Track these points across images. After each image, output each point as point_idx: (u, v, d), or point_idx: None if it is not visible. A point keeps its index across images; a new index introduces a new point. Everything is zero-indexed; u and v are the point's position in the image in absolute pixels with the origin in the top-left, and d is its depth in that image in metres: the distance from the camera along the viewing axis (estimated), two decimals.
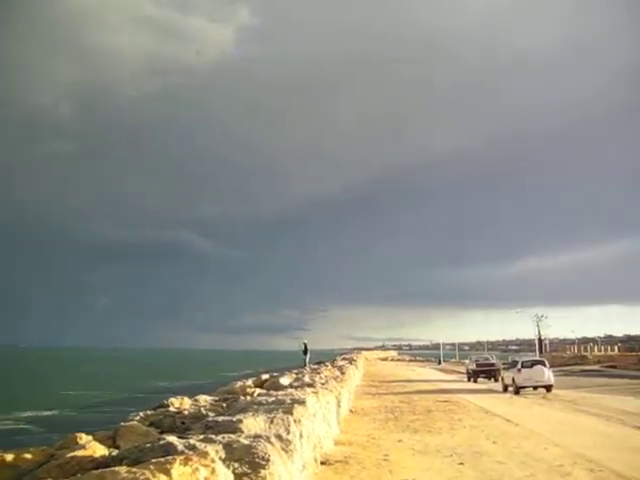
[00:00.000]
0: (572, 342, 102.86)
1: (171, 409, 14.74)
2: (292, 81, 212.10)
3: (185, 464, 4.35)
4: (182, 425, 11.61)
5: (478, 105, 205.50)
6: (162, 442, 5.48)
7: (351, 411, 19.76)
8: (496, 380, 39.26)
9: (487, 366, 44.68)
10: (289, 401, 9.31)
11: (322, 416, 10.91)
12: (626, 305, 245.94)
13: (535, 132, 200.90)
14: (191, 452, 4.95)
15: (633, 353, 67.56)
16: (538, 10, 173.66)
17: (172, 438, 5.68)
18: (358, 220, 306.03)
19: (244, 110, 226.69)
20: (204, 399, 17.42)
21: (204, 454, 4.81)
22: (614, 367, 56.51)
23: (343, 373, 26.18)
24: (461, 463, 10.64)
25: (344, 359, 55.69)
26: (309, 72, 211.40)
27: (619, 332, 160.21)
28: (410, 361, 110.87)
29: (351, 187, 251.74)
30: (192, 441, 5.52)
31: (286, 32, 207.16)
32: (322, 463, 9.76)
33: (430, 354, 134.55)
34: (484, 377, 43.43)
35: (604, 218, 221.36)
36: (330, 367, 33.42)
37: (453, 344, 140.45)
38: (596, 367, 58.95)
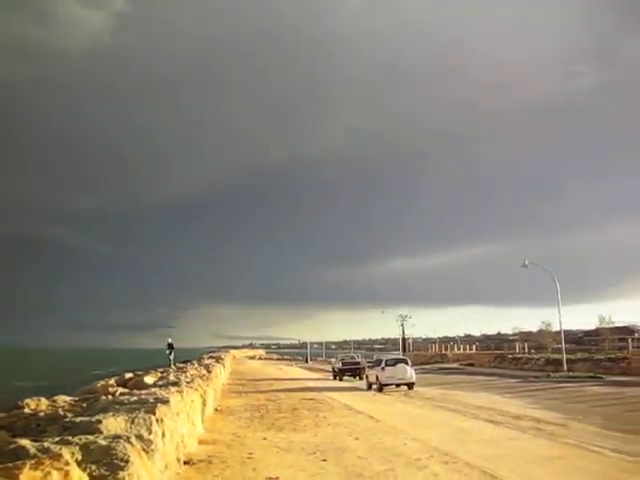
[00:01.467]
0: (434, 341, 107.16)
1: (26, 411, 14.03)
2: (163, 74, 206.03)
3: (36, 468, 4.14)
4: (37, 427, 11.08)
5: (353, 109, 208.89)
6: (12, 446, 5.19)
7: (217, 410, 19.56)
8: (361, 378, 40.14)
9: (352, 364, 45.61)
10: (152, 400, 9.09)
11: (186, 415, 10.74)
12: (484, 306, 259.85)
13: (406, 137, 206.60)
14: (44, 455, 4.72)
15: (489, 352, 71.38)
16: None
17: (24, 441, 5.39)
18: (229, 218, 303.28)
19: (117, 102, 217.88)
20: (63, 399, 16.71)
21: (57, 457, 4.59)
22: (472, 365, 59.44)
23: (210, 372, 25.87)
24: (324, 459, 10.79)
25: (211, 357, 55.16)
26: (180, 65, 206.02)
27: (477, 332, 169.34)
28: (278, 360, 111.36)
29: (226, 185, 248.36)
30: (46, 444, 5.27)
31: (161, 23, 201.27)
32: (185, 463, 9.59)
33: (298, 353, 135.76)
34: (349, 375, 44.26)
35: (466, 222, 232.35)
36: (197, 365, 32.96)
37: (320, 343, 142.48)
38: (455, 365, 61.79)
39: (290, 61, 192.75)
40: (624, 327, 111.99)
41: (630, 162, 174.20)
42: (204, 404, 15.14)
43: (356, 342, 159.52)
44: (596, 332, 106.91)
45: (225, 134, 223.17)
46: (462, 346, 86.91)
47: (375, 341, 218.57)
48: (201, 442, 12.17)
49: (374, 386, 32.26)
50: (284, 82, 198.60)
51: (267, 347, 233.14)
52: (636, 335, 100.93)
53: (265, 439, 13.35)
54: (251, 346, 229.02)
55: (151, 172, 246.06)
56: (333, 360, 53.10)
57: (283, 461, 10.67)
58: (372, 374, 33.10)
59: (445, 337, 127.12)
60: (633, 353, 42.44)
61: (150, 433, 7.31)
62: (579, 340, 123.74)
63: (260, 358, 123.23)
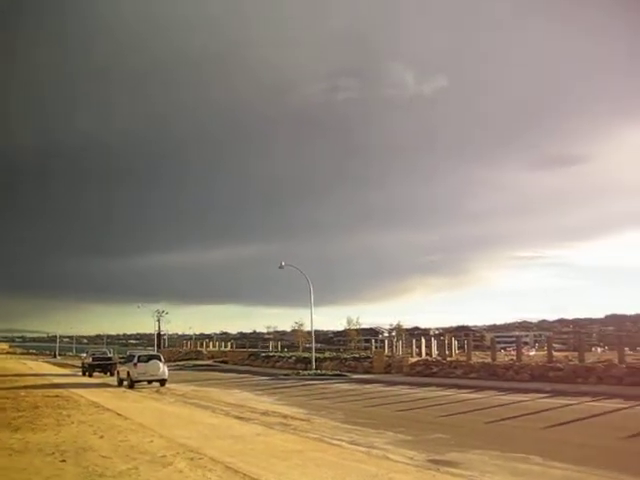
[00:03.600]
0: (190, 338, 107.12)
1: None
2: None
3: None
4: None
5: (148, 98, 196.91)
6: None
7: None
8: (112, 374, 39.07)
9: (104, 360, 44.55)
10: None
11: None
12: (241, 305, 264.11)
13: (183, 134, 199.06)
14: None
15: (244, 349, 72.72)
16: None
17: None
18: None
19: None
20: None
21: None
22: (226, 362, 60.19)
23: None
24: (63, 460, 10.22)
25: None
26: None
27: (234, 330, 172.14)
28: (22, 354, 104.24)
29: None
30: None
31: None
32: None
33: (46, 347, 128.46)
34: (100, 371, 43.14)
35: (224, 221, 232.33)
36: None
37: (71, 337, 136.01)
38: (210, 362, 62.29)
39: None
40: (370, 328, 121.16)
41: (389, 168, 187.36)
42: None
43: (110, 337, 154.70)
44: (345, 333, 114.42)
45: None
46: (218, 343, 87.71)
47: (130, 336, 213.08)
48: None
49: (125, 382, 31.71)
50: None
51: (11, 340, 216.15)
52: (380, 336, 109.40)
53: None
54: None
55: None
56: (83, 355, 51.11)
57: (15, 464, 9.91)
58: (124, 370, 32.45)
59: (202, 334, 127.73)
60: (375, 352, 45.74)
61: None
62: (330, 340, 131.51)
63: (2, 352, 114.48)
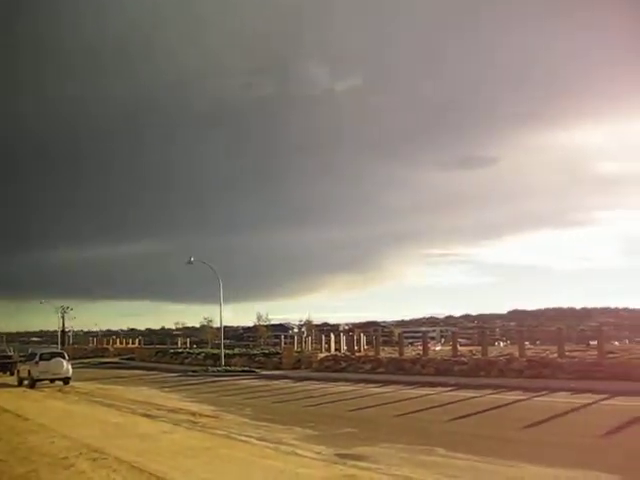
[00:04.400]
0: (96, 335, 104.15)
1: None
2: None
3: None
4: None
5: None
6: None
7: None
8: (12, 374, 37.61)
9: (3, 359, 42.68)
10: None
11: None
12: (150, 301, 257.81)
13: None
14: None
15: (152, 346, 71.24)
16: None
17: None
18: None
19: None
20: None
21: None
22: (133, 359, 58.92)
23: None
24: None
25: None
26: None
27: (142, 326, 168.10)
28: None
29: None
30: None
31: None
32: None
33: None
34: None
35: (132, 217, 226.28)
36: None
37: None
38: (116, 359, 60.80)
39: None
40: (280, 324, 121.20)
41: (304, 166, 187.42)
42: None
43: (10, 335, 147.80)
44: (255, 329, 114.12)
45: None
46: (125, 340, 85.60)
47: (33, 334, 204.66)
48: None
49: (26, 382, 30.59)
50: None
51: None
52: (290, 332, 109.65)
53: None
54: None
55: None
56: None
57: None
58: (24, 369, 31.38)
59: (108, 331, 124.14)
60: (285, 348, 45.72)
61: None
62: (240, 336, 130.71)
63: None
